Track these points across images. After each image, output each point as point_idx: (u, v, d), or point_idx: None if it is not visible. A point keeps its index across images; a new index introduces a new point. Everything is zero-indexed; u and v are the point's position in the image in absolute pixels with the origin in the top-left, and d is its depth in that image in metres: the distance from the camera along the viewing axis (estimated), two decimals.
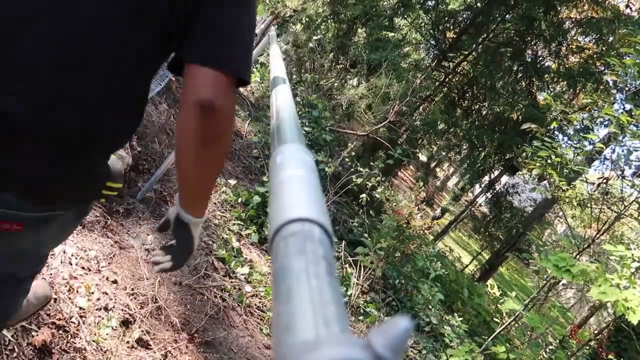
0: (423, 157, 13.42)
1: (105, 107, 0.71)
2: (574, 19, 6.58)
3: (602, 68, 5.83)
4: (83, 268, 1.91)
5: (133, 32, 0.69)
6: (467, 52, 6.96)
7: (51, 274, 1.75)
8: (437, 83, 7.17)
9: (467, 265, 9.13)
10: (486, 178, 8.69)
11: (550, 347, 3.15)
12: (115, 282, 2.00)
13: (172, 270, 0.90)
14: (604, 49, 6.22)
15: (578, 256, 3.48)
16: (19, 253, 0.81)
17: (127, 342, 1.78)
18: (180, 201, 0.82)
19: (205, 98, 0.67)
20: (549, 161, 3.45)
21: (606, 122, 4.08)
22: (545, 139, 3.51)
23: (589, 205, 3.86)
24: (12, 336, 1.43)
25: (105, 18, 0.66)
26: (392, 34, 6.45)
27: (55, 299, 1.66)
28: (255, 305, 2.67)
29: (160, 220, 0.91)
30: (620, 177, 3.76)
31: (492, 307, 5.87)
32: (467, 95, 7.55)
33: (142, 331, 1.87)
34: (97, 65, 0.67)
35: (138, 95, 0.76)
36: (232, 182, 3.68)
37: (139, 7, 0.67)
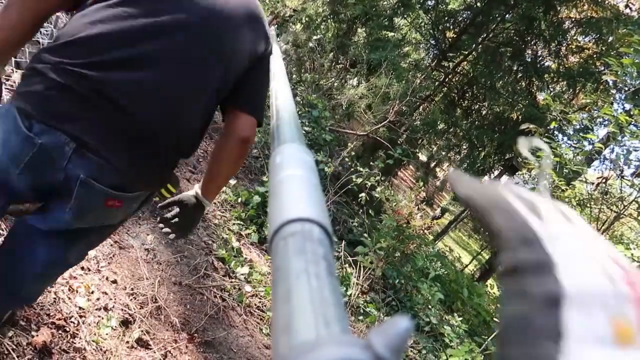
0: (423, 157, 13.42)
1: (192, 135, 1.08)
2: (573, 19, 6.58)
3: (602, 68, 5.83)
4: (83, 268, 1.91)
5: (214, 100, 1.07)
6: (467, 52, 6.96)
7: None
8: (437, 83, 7.17)
9: (467, 265, 9.13)
10: (486, 178, 8.70)
11: None
12: (115, 282, 2.00)
13: (181, 237, 1.25)
14: (603, 48, 6.22)
15: None
16: (108, 228, 1.10)
17: (127, 342, 1.78)
18: (203, 192, 1.18)
19: (245, 136, 1.10)
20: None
21: (605, 122, 4.08)
22: (544, 139, 3.51)
23: (588, 205, 3.86)
24: (12, 336, 1.43)
25: (205, 94, 1.03)
26: (392, 33, 6.45)
27: (55, 299, 1.66)
28: (255, 305, 2.67)
29: (148, 214, 1.27)
30: (620, 177, 3.77)
31: (492, 307, 5.87)
32: (467, 95, 7.55)
33: (142, 331, 1.86)
34: (193, 111, 1.03)
35: (205, 126, 1.12)
36: (232, 182, 3.68)
37: (218, 87, 1.05)
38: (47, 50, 0.92)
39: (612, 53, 5.08)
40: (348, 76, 6.72)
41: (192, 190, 1.20)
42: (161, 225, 1.21)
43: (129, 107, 0.92)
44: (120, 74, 0.92)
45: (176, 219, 1.19)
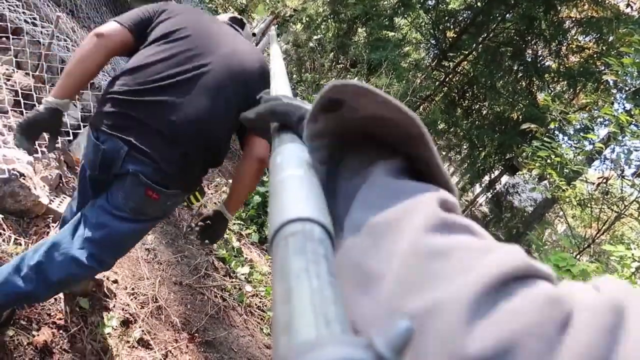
0: None
1: (219, 151, 1.35)
2: (574, 19, 6.57)
3: (602, 68, 5.82)
4: None
5: (230, 119, 1.29)
6: (467, 52, 6.95)
7: None
8: (437, 83, 7.16)
9: None
10: (486, 178, 8.68)
11: None
12: (115, 281, 2.00)
13: (209, 244, 1.68)
14: (604, 48, 6.21)
15: (578, 256, 3.48)
16: (150, 222, 1.38)
17: (128, 341, 1.78)
18: (227, 207, 1.43)
19: (262, 156, 1.31)
20: (548, 161, 3.44)
21: (606, 122, 4.07)
22: (545, 138, 3.51)
23: (589, 205, 3.86)
24: (12, 336, 1.43)
25: (222, 112, 1.28)
26: (392, 33, 6.44)
27: (55, 299, 1.66)
28: (256, 305, 2.67)
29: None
30: (620, 177, 3.76)
31: None
32: (467, 94, 7.54)
33: (143, 331, 1.87)
34: (218, 129, 1.29)
35: (227, 142, 1.38)
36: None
37: (235, 108, 1.29)
38: (114, 77, 1.26)
39: (612, 53, 5.07)
40: (348, 76, 6.71)
41: (217, 207, 1.48)
42: (197, 232, 1.51)
43: (167, 124, 1.21)
44: (162, 96, 1.21)
45: (206, 229, 1.48)
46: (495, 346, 0.20)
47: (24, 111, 2.18)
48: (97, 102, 1.26)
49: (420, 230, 0.26)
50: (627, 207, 3.65)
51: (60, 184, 2.18)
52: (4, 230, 1.73)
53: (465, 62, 7.19)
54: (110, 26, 1.27)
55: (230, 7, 7.43)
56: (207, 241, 1.50)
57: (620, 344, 0.19)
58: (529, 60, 6.86)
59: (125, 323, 1.85)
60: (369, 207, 0.30)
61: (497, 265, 0.22)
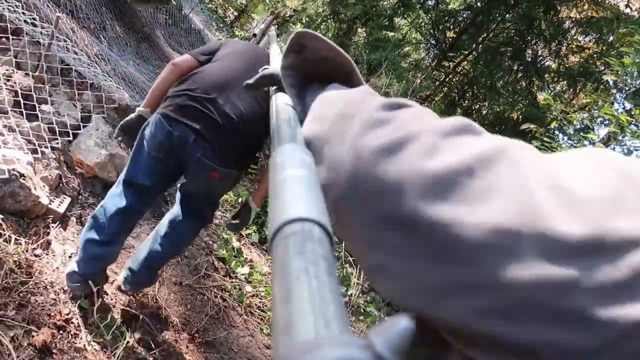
0: None
1: (259, 141, 1.70)
2: (574, 19, 6.57)
3: (602, 68, 5.82)
4: None
5: (263, 118, 1.61)
6: (467, 52, 6.95)
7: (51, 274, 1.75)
8: (437, 83, 7.16)
9: None
10: None
11: None
12: (115, 282, 2.00)
13: (239, 231, 2.02)
14: (604, 48, 6.21)
15: None
16: (216, 191, 1.81)
17: (128, 342, 1.78)
18: (254, 201, 1.83)
19: None
20: None
21: (606, 122, 4.07)
22: (545, 138, 3.51)
23: None
24: (12, 336, 1.43)
25: (261, 112, 1.62)
26: (392, 33, 6.45)
27: (55, 300, 1.66)
28: (256, 305, 2.67)
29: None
30: None
31: None
32: (467, 95, 7.54)
33: (143, 331, 1.86)
34: (255, 125, 1.62)
35: (263, 139, 1.72)
36: None
37: (265, 113, 1.49)
38: (180, 82, 1.64)
39: (612, 53, 5.07)
40: None
41: (245, 200, 1.85)
42: (226, 227, 1.93)
43: (225, 117, 1.56)
44: (222, 96, 1.57)
45: (236, 221, 1.87)
46: (387, 116, 0.36)
47: (24, 112, 2.18)
48: (168, 96, 1.63)
49: (357, 97, 0.43)
50: None
51: (60, 184, 2.18)
52: (3, 230, 1.73)
53: (465, 62, 7.19)
54: (183, 57, 1.73)
55: (229, 7, 7.43)
56: (233, 229, 1.89)
57: (456, 138, 0.32)
58: (529, 60, 6.86)
59: (125, 323, 1.84)
60: (321, 100, 0.46)
61: (388, 100, 0.39)
